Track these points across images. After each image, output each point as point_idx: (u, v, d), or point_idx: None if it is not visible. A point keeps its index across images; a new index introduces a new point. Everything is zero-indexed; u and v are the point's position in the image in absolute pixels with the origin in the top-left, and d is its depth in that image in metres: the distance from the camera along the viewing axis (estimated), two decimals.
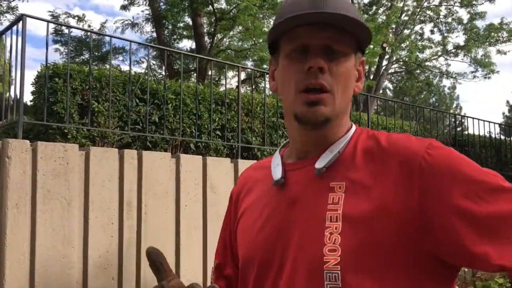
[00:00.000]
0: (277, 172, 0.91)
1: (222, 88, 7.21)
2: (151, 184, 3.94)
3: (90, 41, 5.28)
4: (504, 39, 15.50)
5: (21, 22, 3.77)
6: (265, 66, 11.67)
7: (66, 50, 12.80)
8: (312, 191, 0.86)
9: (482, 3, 15.91)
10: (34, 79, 4.75)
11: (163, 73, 12.45)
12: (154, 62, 13.91)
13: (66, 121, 4.16)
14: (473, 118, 7.78)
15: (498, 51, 15.99)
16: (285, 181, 0.90)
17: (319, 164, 0.86)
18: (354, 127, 0.92)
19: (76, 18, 13.39)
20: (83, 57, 12.92)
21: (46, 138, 4.27)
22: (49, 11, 13.31)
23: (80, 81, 4.58)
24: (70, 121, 4.35)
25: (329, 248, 0.79)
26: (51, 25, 12.63)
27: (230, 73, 13.91)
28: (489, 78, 16.60)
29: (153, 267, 0.82)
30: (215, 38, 11.73)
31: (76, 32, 13.22)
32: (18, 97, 3.85)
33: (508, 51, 17.97)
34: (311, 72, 0.83)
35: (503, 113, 36.62)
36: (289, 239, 0.85)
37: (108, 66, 4.62)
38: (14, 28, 3.97)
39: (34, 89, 4.74)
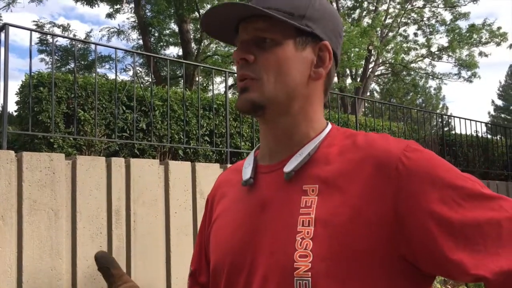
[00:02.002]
0: (246, 173, 0.89)
1: (209, 94, 7.19)
2: (140, 191, 3.90)
3: (75, 49, 5.22)
4: (487, 40, 15.70)
5: (3, 31, 3.73)
6: None
7: (51, 60, 12.71)
8: (284, 194, 0.82)
9: (465, 4, 16.13)
10: (19, 88, 4.69)
11: (150, 80, 12.40)
12: (141, 70, 13.86)
13: (51, 130, 4.10)
14: (459, 117, 7.84)
15: (480, 54, 16.20)
16: (256, 184, 0.87)
17: (288, 167, 0.83)
18: (329, 126, 0.88)
19: (61, 27, 13.31)
20: (69, 67, 12.84)
21: (31, 148, 4.21)
22: (34, 21, 13.21)
23: (65, 89, 4.53)
24: (55, 130, 4.30)
25: (300, 253, 0.76)
26: (36, 35, 12.53)
27: (218, 79, 13.90)
28: (471, 82, 16.81)
29: (101, 272, 0.79)
30: (202, 44, 11.72)
31: (61, 42, 13.13)
32: (1, 107, 3.79)
33: (490, 54, 18.22)
34: (239, 64, 0.85)
35: (489, 112, 37.15)
36: (260, 244, 0.81)
37: (94, 75, 4.59)
38: None
39: (19, 99, 4.68)
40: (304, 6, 0.86)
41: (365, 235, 0.74)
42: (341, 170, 0.80)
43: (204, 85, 12.35)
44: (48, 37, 11.80)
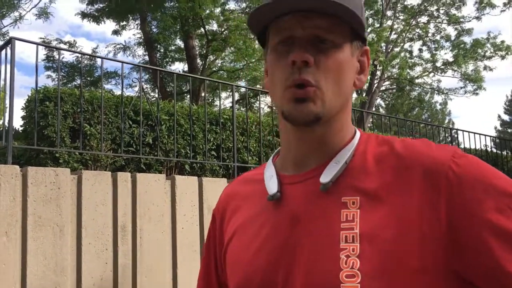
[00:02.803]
0: (271, 186, 0.80)
1: (216, 108, 7.16)
2: (146, 207, 3.83)
3: (82, 63, 5.21)
4: (492, 53, 15.70)
5: (10, 45, 3.72)
6: (258, 86, 11.67)
7: (57, 75, 12.77)
8: (320, 207, 0.74)
9: (470, 20, 16.18)
10: (25, 103, 4.66)
11: (156, 95, 12.42)
12: (147, 86, 13.90)
13: (57, 145, 4.06)
14: (468, 131, 7.75)
15: (485, 67, 16.20)
16: (283, 196, 0.79)
17: (325, 178, 0.75)
18: (358, 132, 0.82)
19: (68, 44, 13.40)
20: (75, 83, 12.88)
21: (37, 163, 4.16)
22: (40, 37, 13.32)
23: (72, 104, 4.50)
24: (61, 145, 4.25)
25: (347, 273, 0.68)
26: (43, 52, 12.61)
27: (223, 94, 13.91)
28: (477, 94, 16.76)
29: None
30: (207, 59, 11.75)
31: (68, 58, 13.23)
32: (7, 122, 3.75)
33: (495, 67, 18.31)
34: (296, 67, 0.74)
35: (495, 127, 36.96)
36: (295, 262, 0.73)
37: (100, 90, 4.56)
38: (3, 52, 3.90)
39: (25, 114, 4.65)
40: (360, 6, 0.78)
41: (417, 250, 0.67)
42: (382, 180, 0.73)
43: (210, 100, 12.35)
44: (55, 53, 11.87)
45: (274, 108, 7.29)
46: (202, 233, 4.10)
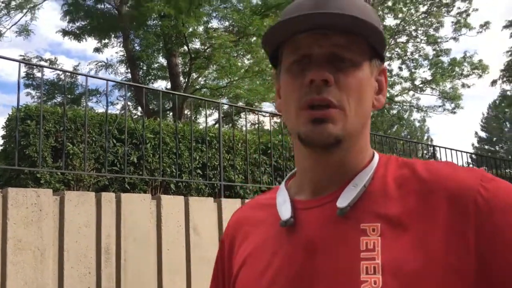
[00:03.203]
0: (284, 211, 0.75)
1: (201, 126, 7.10)
2: (131, 228, 3.72)
3: (64, 80, 5.09)
4: (469, 72, 16.09)
5: None
6: (240, 103, 11.67)
7: (38, 94, 12.57)
8: (337, 234, 0.69)
9: (447, 41, 16.57)
10: (5, 122, 4.54)
11: (139, 113, 12.30)
12: (129, 103, 13.77)
13: (38, 165, 3.94)
14: (446, 148, 7.85)
15: (463, 85, 16.58)
16: (297, 222, 0.73)
17: (342, 202, 0.70)
18: (377, 155, 0.77)
19: (48, 61, 13.24)
20: (55, 101, 12.68)
21: (17, 184, 4.03)
22: (20, 55, 13.13)
23: (54, 122, 4.39)
24: (43, 164, 4.13)
25: None
26: (23, 69, 12.41)
27: (207, 112, 13.87)
28: (454, 113, 17.10)
29: None
30: (191, 77, 11.72)
31: (48, 75, 13.04)
32: None
33: (473, 84, 18.84)
34: (314, 86, 0.69)
35: (472, 144, 37.67)
36: None
37: (83, 107, 4.48)
38: None
39: (5, 133, 4.52)
40: (378, 21, 0.74)
41: (444, 284, 0.62)
42: (404, 205, 0.68)
43: (194, 117, 12.28)
44: (35, 70, 11.70)
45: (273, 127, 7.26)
46: (188, 254, 4.00)
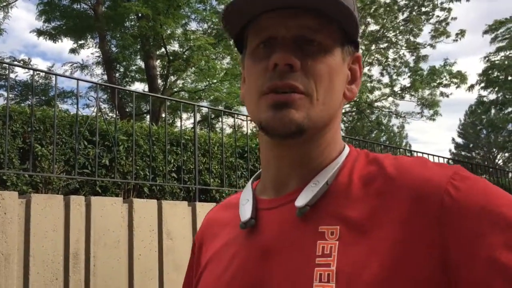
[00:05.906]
0: (245, 211, 0.69)
1: (176, 129, 7.00)
2: (101, 232, 3.61)
3: (33, 80, 4.91)
4: (448, 82, 16.33)
5: None
6: (220, 107, 11.59)
7: (7, 92, 12.26)
8: (294, 238, 0.63)
9: (425, 47, 16.80)
10: None
11: (114, 115, 12.11)
12: (105, 106, 13.56)
13: (4, 166, 3.79)
14: (423, 153, 7.90)
15: (442, 94, 16.82)
16: (258, 223, 0.67)
17: (301, 201, 0.63)
18: (347, 149, 0.70)
19: (22, 61, 12.95)
20: (28, 102, 12.40)
21: None
22: None
23: (22, 123, 4.25)
24: (9, 166, 3.98)
25: None
26: None
27: (184, 115, 13.74)
28: (433, 120, 17.32)
29: None
30: (169, 80, 11.59)
31: (21, 77, 12.76)
32: None
33: (451, 94, 19.12)
34: (278, 70, 0.62)
35: (450, 150, 38.30)
36: None
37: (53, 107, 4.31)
38: None
39: None
40: (352, 4, 0.66)
41: None
42: (367, 206, 0.60)
43: (171, 121, 12.14)
44: (6, 71, 11.41)
45: (239, 127, 7.16)
46: (161, 260, 3.90)
